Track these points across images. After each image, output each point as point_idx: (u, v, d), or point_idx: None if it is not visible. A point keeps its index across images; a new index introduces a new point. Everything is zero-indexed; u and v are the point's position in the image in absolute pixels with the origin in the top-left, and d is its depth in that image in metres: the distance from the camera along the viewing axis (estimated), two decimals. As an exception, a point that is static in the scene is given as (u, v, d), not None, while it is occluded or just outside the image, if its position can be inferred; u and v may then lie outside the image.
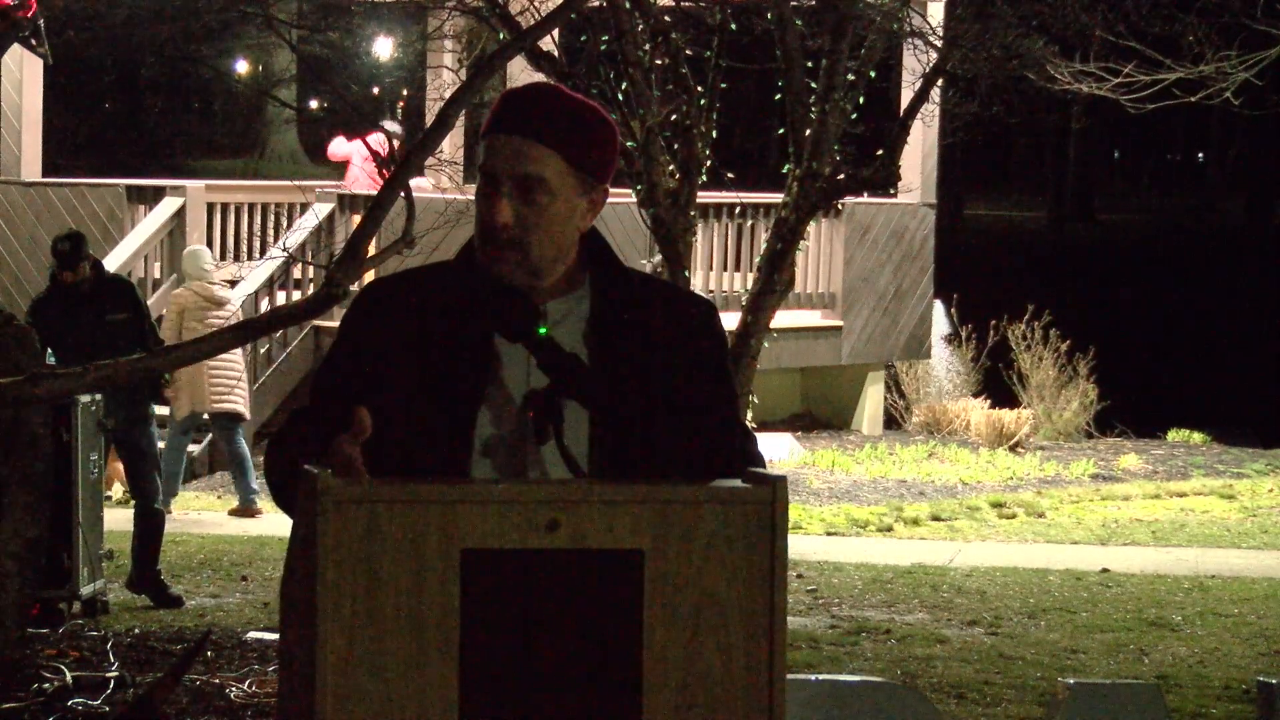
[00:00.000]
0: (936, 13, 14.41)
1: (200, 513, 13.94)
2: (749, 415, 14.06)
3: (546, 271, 3.27)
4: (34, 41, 8.70)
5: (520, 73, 14.51)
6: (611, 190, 3.39)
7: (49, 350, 10.01)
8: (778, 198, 12.45)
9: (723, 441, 3.28)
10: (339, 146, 18.28)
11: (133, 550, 10.58)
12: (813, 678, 5.68)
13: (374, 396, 3.17)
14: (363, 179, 17.24)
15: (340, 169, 19.05)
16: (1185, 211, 50.35)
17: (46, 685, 8.21)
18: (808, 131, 11.80)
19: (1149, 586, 11.73)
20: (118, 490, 14.00)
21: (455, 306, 3.25)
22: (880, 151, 12.11)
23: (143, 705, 7.34)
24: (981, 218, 48.00)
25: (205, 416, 13.78)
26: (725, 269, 17.75)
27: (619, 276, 3.33)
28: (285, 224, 17.78)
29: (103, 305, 10.69)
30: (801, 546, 12.49)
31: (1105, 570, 12.23)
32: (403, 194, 7.58)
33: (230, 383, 13.56)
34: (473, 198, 3.32)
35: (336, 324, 4.80)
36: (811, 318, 18.38)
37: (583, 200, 3.27)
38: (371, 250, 8.12)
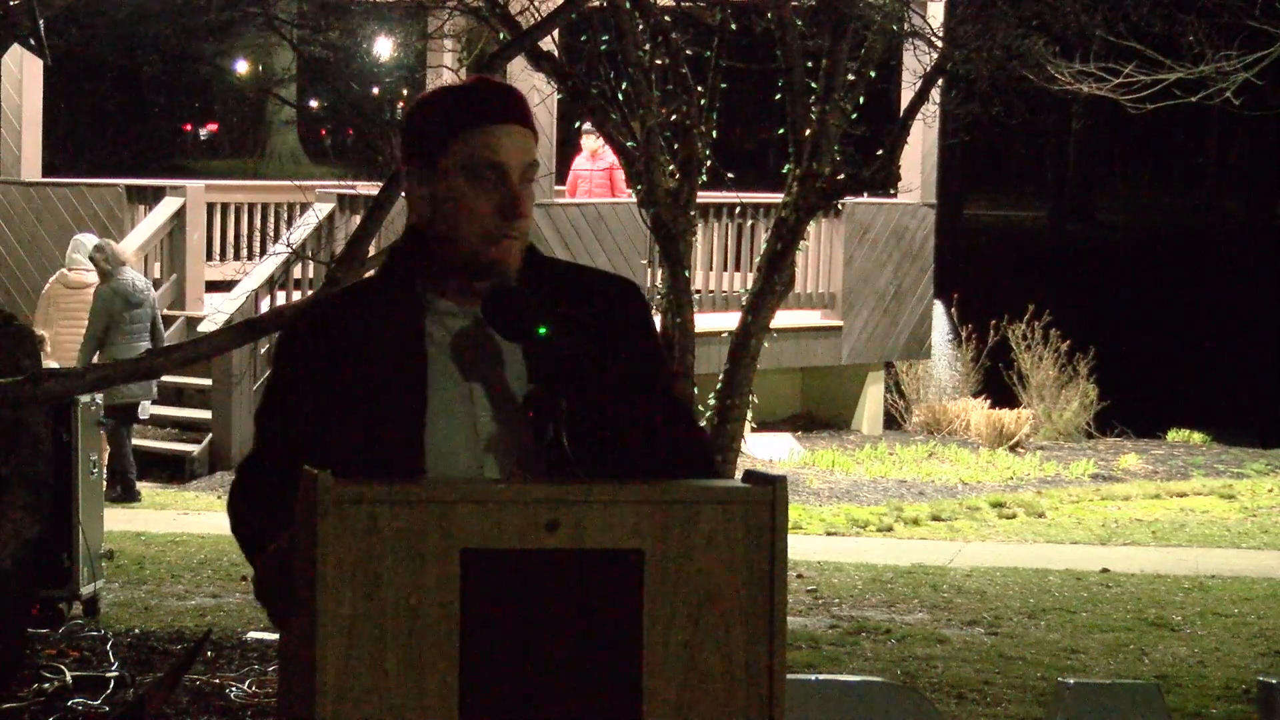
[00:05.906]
0: (936, 13, 14.39)
1: (200, 513, 13.93)
2: (749, 415, 14.06)
3: None
4: (34, 41, 8.69)
5: (520, 72, 14.51)
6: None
7: None
8: (778, 198, 12.45)
9: (673, 416, 3.30)
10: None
11: None
12: (813, 678, 5.69)
13: (323, 426, 3.18)
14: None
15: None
16: (1185, 211, 50.34)
17: (46, 685, 8.20)
18: (808, 131, 11.80)
19: (1149, 586, 11.72)
20: None
21: (393, 319, 3.24)
22: (880, 151, 12.10)
23: (142, 705, 7.34)
24: (981, 218, 47.99)
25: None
26: (725, 269, 17.75)
27: (546, 265, 3.35)
28: (285, 224, 17.78)
29: None
30: (801, 546, 12.49)
31: (1105, 570, 12.22)
32: (403, 194, 7.58)
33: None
34: None
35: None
36: (811, 318, 18.37)
37: None
38: (372, 250, 8.13)
